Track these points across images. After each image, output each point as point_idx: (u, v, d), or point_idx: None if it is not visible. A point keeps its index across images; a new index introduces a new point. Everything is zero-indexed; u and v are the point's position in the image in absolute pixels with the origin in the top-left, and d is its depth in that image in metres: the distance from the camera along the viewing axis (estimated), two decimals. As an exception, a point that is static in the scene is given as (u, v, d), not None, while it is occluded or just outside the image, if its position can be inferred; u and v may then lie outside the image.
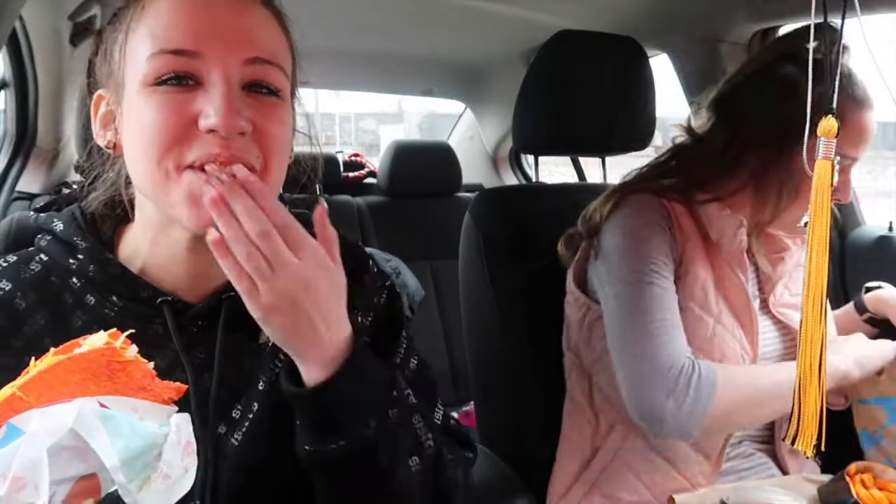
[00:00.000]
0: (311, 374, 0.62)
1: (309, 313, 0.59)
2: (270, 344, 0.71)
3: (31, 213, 0.75)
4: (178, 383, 0.49)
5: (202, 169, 0.60)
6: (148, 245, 0.70)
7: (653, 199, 1.10)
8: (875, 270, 1.54)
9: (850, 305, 1.24)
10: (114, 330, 0.49)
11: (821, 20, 0.68)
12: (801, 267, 1.20)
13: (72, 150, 2.27)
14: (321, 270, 0.60)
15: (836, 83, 0.66)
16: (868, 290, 1.22)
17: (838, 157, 0.99)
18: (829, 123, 0.66)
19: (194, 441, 0.48)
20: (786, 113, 0.96)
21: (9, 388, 0.44)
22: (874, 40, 0.76)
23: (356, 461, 0.63)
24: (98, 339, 0.48)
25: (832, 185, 0.67)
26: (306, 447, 0.63)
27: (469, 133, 3.14)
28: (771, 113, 1.04)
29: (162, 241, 0.69)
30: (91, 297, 0.69)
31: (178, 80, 0.62)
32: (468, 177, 2.78)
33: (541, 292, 1.25)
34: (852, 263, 1.60)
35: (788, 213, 1.07)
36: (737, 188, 1.10)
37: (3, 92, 2.03)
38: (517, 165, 3.08)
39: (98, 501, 0.44)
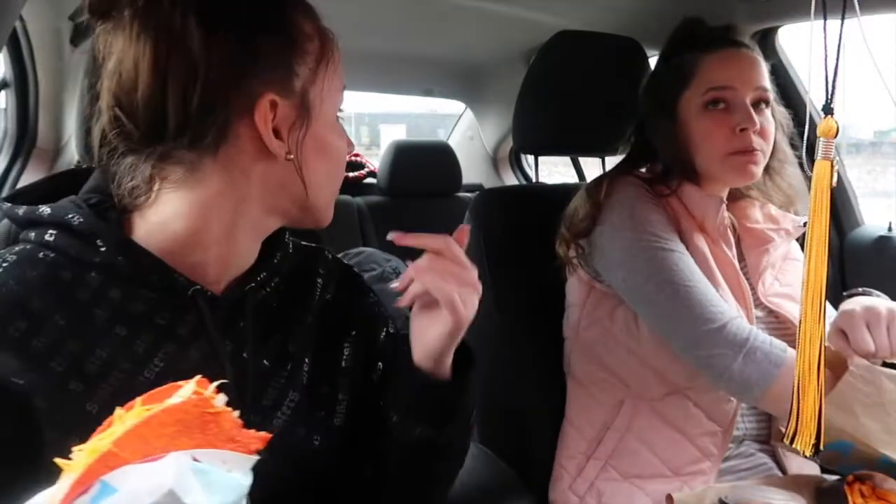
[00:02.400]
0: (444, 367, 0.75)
1: None
2: (305, 334, 0.77)
3: (10, 206, 0.69)
4: (262, 433, 0.47)
5: None
6: (181, 234, 0.68)
7: (640, 184, 1.16)
8: (874, 270, 1.54)
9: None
10: (199, 377, 0.48)
11: (821, 20, 0.68)
12: (792, 259, 1.22)
13: (72, 150, 2.27)
14: None
15: (835, 84, 0.66)
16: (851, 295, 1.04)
17: (723, 89, 1.10)
18: (828, 124, 0.66)
19: None
20: (657, 86, 1.20)
21: (103, 443, 0.43)
22: (874, 40, 0.76)
23: (453, 446, 0.78)
24: (186, 389, 0.46)
25: (831, 184, 0.67)
26: (418, 431, 0.74)
27: (469, 133, 3.14)
28: (651, 92, 1.22)
29: (235, 234, 0.70)
30: (116, 292, 0.66)
31: None
32: (468, 177, 2.78)
33: (541, 292, 1.26)
34: (852, 264, 1.60)
35: (702, 163, 1.13)
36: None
37: (3, 92, 2.03)
38: (517, 165, 3.08)
39: None
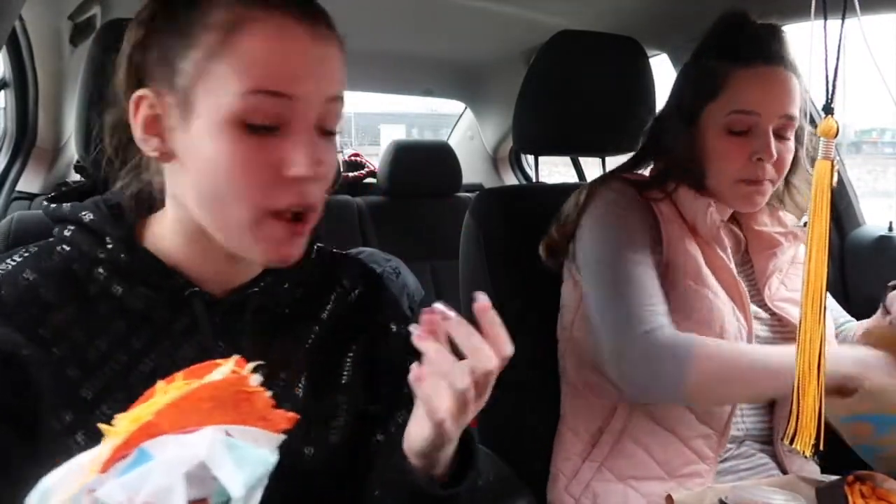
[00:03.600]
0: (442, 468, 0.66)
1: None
2: (308, 344, 0.75)
3: (47, 204, 0.74)
4: (291, 413, 0.49)
5: (287, 215, 0.65)
6: (180, 241, 0.71)
7: (627, 188, 1.16)
8: (875, 270, 1.54)
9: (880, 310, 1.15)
10: (238, 357, 0.50)
11: (821, 20, 0.68)
12: (799, 263, 1.21)
13: (72, 150, 2.27)
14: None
15: (835, 84, 0.66)
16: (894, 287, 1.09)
17: (748, 114, 1.07)
18: (828, 123, 0.66)
19: None
20: (683, 89, 1.16)
21: (144, 413, 0.45)
22: (874, 40, 0.76)
23: None
24: (225, 367, 0.49)
25: (831, 184, 0.67)
26: None
27: (469, 133, 3.14)
28: (675, 92, 1.18)
29: (200, 243, 0.70)
30: (118, 287, 0.69)
31: (269, 129, 0.63)
32: (468, 177, 2.78)
33: (541, 292, 1.25)
34: (852, 263, 1.60)
35: (712, 181, 1.12)
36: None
37: (3, 92, 2.03)
38: (517, 165, 3.08)
39: None
